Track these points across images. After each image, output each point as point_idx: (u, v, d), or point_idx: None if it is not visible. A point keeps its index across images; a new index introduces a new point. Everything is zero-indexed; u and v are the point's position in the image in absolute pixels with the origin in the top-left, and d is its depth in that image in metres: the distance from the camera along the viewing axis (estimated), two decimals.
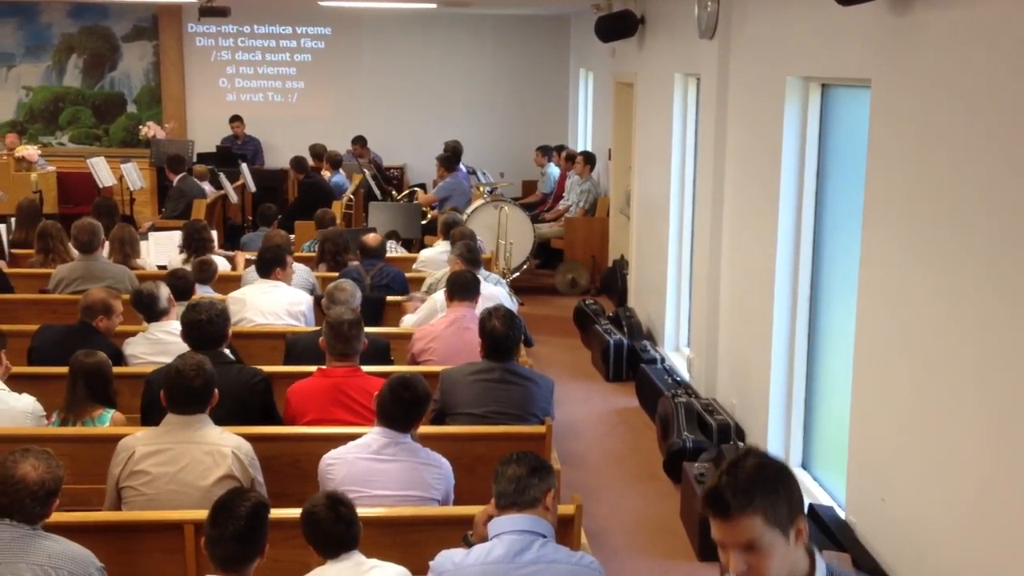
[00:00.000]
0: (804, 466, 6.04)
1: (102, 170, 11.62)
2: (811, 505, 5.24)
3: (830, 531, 4.92)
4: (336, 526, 3.35)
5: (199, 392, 4.15)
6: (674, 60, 8.33)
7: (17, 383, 4.90)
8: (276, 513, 3.58)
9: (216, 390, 4.23)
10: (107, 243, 7.47)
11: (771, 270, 6.02)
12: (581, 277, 11.52)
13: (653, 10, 9.21)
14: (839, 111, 5.69)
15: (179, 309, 5.60)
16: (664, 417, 6.86)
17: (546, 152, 13.70)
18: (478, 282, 5.96)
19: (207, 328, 4.89)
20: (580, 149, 13.34)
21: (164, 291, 5.72)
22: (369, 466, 4.07)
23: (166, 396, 4.18)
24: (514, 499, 3.35)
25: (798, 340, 5.95)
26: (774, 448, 6.06)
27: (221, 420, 4.34)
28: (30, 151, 12.20)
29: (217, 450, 4.11)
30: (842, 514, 5.13)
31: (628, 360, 8.55)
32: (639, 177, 9.66)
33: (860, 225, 4.92)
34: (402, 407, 4.10)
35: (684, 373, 7.91)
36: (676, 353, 8.53)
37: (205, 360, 4.26)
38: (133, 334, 5.75)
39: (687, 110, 8.24)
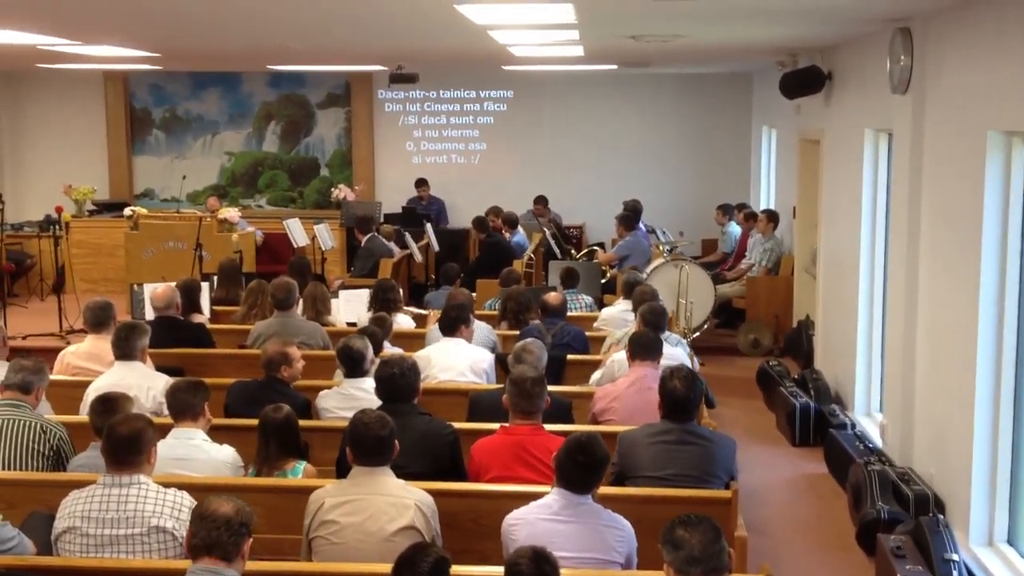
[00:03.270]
0: (1010, 542, 5.64)
1: (297, 231, 12.16)
2: None
3: None
4: None
5: (382, 443, 4.26)
6: (864, 116, 8.10)
7: (216, 434, 5.11)
8: (459, 570, 3.58)
9: (396, 443, 4.32)
10: (300, 300, 7.77)
11: (974, 332, 5.70)
12: (764, 337, 11.23)
13: (841, 65, 9.01)
14: None
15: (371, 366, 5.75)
16: (856, 485, 6.56)
17: (726, 210, 13.50)
18: (660, 342, 5.89)
19: (400, 382, 5.03)
20: (762, 207, 13.10)
21: (371, 351, 5.84)
22: (550, 527, 4.04)
23: (351, 448, 4.31)
24: (714, 565, 3.28)
25: (1003, 407, 5.61)
26: (977, 522, 5.70)
27: (413, 468, 4.47)
28: (231, 213, 12.82)
29: (400, 501, 4.20)
30: None
31: (815, 424, 8.26)
32: (826, 235, 9.39)
33: None
34: (579, 470, 4.07)
35: (876, 439, 7.55)
36: (867, 418, 8.17)
37: (386, 414, 4.38)
38: (327, 387, 5.93)
39: (878, 166, 7.99)
